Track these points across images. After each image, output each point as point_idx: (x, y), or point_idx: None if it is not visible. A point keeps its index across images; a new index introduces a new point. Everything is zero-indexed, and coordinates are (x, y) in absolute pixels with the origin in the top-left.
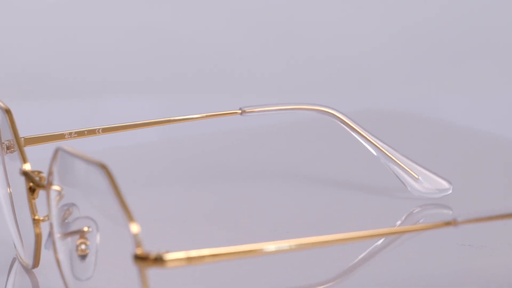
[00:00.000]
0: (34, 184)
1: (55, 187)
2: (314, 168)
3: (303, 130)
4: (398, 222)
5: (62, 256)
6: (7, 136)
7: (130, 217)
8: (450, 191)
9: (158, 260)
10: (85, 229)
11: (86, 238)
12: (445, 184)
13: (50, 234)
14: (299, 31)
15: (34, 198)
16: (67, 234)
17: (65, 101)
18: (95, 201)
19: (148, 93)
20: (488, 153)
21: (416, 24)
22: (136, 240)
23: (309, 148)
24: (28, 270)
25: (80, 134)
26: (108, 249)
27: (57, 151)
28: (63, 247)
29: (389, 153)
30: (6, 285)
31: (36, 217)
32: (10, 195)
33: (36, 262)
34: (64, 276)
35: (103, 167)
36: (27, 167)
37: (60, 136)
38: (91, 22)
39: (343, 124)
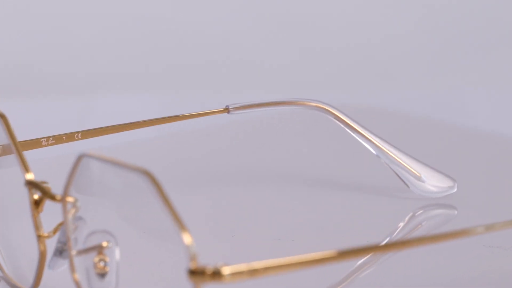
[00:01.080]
0: (47, 196)
1: (71, 199)
2: (313, 167)
3: (299, 127)
4: (401, 224)
5: (80, 276)
6: None
7: (182, 227)
8: (455, 189)
9: (216, 275)
10: (104, 244)
11: (104, 254)
12: (449, 182)
13: (56, 252)
14: (299, 23)
15: (38, 212)
16: (84, 251)
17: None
18: (130, 211)
19: (144, 89)
20: (493, 152)
21: (414, 24)
22: (191, 252)
23: (305, 146)
24: None
25: (58, 140)
26: (137, 264)
27: (80, 158)
28: (80, 265)
29: (389, 151)
30: None
31: (41, 233)
32: None
33: (37, 283)
34: None
35: (148, 174)
36: (30, 177)
37: (36, 143)
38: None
39: (338, 120)
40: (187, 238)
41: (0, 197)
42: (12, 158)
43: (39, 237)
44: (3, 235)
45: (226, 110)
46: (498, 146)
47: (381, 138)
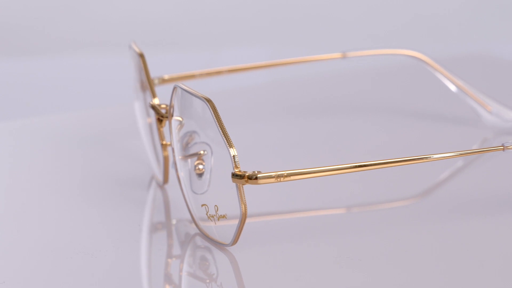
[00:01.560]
0: (159, 115)
1: (176, 118)
2: (402, 103)
3: (393, 71)
4: (475, 146)
5: (182, 174)
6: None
7: (229, 143)
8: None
9: (252, 178)
10: (202, 152)
11: (202, 160)
12: (205, 102)
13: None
14: None
15: (162, 127)
16: (187, 157)
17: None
18: (205, 129)
19: (258, 43)
20: None
21: None
22: (234, 161)
23: (398, 86)
24: (162, 186)
25: (208, 74)
26: (217, 169)
27: (175, 88)
28: (184, 167)
29: (466, 89)
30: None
31: (164, 142)
32: (150, 124)
33: (165, 179)
34: (184, 190)
35: (209, 101)
36: (156, 101)
37: (191, 76)
38: None
39: (428, 65)
40: (232, 151)
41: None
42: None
43: (163, 145)
44: (154, 145)
45: (343, 55)
46: None
47: (460, 78)
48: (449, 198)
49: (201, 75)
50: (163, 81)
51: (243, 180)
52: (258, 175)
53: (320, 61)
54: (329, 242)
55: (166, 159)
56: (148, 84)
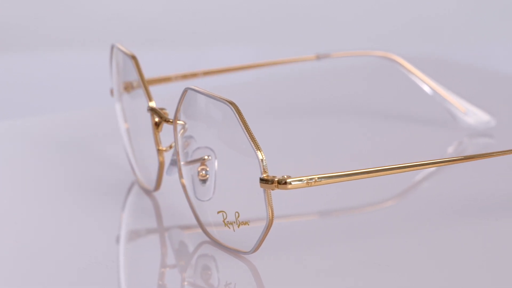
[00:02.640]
0: (162, 119)
1: (181, 122)
2: (376, 105)
3: (367, 73)
4: (450, 148)
5: (186, 181)
6: (125, 78)
7: (257, 146)
8: (493, 123)
9: (282, 183)
10: (206, 157)
11: (206, 165)
12: (488, 117)
13: (172, 162)
14: None
15: (158, 132)
16: (190, 162)
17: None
18: (221, 133)
19: (244, 42)
20: None
21: None
22: (263, 166)
23: (372, 88)
24: (149, 193)
25: (184, 76)
26: (227, 174)
27: (185, 91)
28: (187, 173)
29: (441, 91)
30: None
31: (160, 148)
32: (128, 129)
33: (157, 185)
34: (189, 197)
35: (233, 104)
36: (153, 104)
37: (167, 79)
38: None
39: (402, 67)
40: (260, 155)
41: (136, 120)
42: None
43: (159, 151)
44: (137, 150)
45: (317, 56)
46: None
47: (434, 81)
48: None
49: (177, 78)
50: (127, 88)
51: (272, 185)
52: (288, 180)
53: (294, 62)
54: (351, 246)
55: (161, 165)
56: (143, 87)
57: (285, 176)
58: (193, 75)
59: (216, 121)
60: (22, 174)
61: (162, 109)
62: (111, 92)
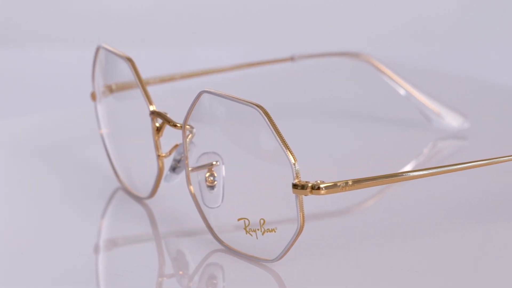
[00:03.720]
0: (169, 123)
1: (189, 126)
2: (349, 106)
3: (340, 74)
4: (425, 149)
5: (194, 187)
6: (110, 80)
7: (289, 151)
8: (467, 125)
9: (315, 188)
10: (214, 163)
11: (213, 171)
12: (463, 119)
13: (172, 168)
14: None
15: (159, 137)
16: (198, 168)
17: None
18: (243, 137)
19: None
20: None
21: None
22: (295, 171)
23: (346, 89)
24: (139, 200)
25: (162, 80)
26: (249, 179)
27: (200, 94)
28: (194, 179)
29: (415, 93)
30: (105, 209)
31: (160, 154)
32: (113, 134)
33: (153, 192)
34: (199, 205)
35: (261, 108)
36: (154, 108)
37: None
38: None
39: (375, 67)
40: (292, 159)
41: (119, 123)
42: (130, 93)
43: (159, 157)
44: (123, 154)
45: (292, 58)
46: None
47: (407, 82)
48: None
49: (155, 82)
50: (111, 90)
51: (306, 191)
52: (321, 185)
53: (269, 64)
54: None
55: (161, 171)
56: (142, 90)
57: (319, 181)
58: (171, 79)
59: (238, 125)
60: None
61: (164, 113)
62: (92, 95)
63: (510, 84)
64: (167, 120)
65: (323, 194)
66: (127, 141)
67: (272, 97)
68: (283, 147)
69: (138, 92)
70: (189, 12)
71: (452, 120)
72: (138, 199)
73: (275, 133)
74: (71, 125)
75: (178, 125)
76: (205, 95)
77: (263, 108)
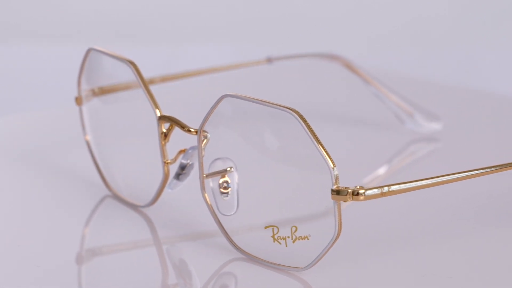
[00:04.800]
0: (184, 129)
1: (205, 132)
2: (324, 107)
3: (318, 75)
4: (397, 151)
5: (208, 195)
6: (97, 83)
7: (328, 156)
8: (440, 126)
9: (356, 194)
10: (228, 169)
11: (228, 177)
12: (436, 121)
13: (176, 175)
14: None
15: (166, 142)
16: (212, 174)
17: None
18: (272, 142)
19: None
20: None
21: None
22: (335, 176)
23: (320, 90)
24: (134, 207)
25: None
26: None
27: (222, 98)
28: (209, 186)
29: (388, 94)
30: (91, 214)
31: (166, 160)
32: (101, 139)
33: (155, 200)
34: (214, 212)
35: (296, 112)
36: (162, 113)
37: (126, 87)
38: None
39: (349, 69)
40: (331, 164)
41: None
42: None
43: (165, 163)
44: (114, 160)
45: (268, 60)
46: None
47: (381, 83)
48: None
49: (136, 85)
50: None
51: (346, 197)
52: (360, 191)
53: (246, 67)
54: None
55: (166, 178)
56: (148, 95)
57: (358, 187)
58: (151, 82)
59: (264, 129)
60: None
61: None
62: (78, 100)
63: (483, 87)
64: (180, 125)
65: (361, 200)
66: (119, 146)
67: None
68: (322, 152)
69: (133, 95)
70: (171, 12)
71: (425, 122)
72: (133, 206)
73: (312, 137)
74: (53, 127)
75: (192, 130)
76: (227, 99)
77: (299, 112)
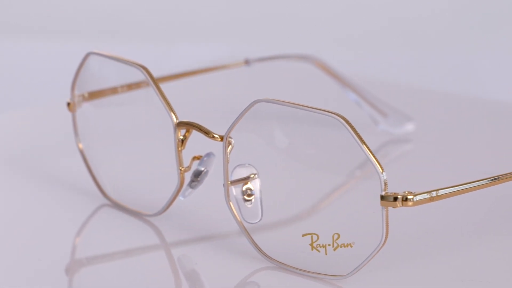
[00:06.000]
0: (209, 135)
1: (230, 138)
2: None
3: (291, 76)
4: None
5: (233, 202)
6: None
7: (377, 162)
8: (412, 127)
9: (406, 200)
10: (252, 175)
11: (251, 184)
12: (410, 122)
13: (190, 183)
14: None
15: (182, 149)
16: (236, 182)
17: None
18: (307, 147)
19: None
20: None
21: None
22: (384, 182)
23: (296, 90)
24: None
25: (129, 87)
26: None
27: (254, 103)
28: (233, 193)
29: (362, 95)
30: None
31: (181, 167)
32: (99, 144)
33: (166, 208)
34: (238, 220)
35: (343, 117)
36: (180, 119)
37: (113, 91)
38: None
39: (324, 70)
40: (380, 170)
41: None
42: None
43: (181, 171)
44: (114, 168)
45: (246, 62)
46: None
47: (355, 85)
48: None
49: (123, 89)
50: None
51: (395, 203)
52: (408, 196)
53: (224, 69)
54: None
55: (181, 186)
56: (163, 101)
57: (406, 192)
58: (137, 86)
59: (303, 134)
60: None
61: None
62: (70, 106)
63: (455, 90)
64: (204, 131)
65: (410, 206)
66: (116, 152)
67: (226, 101)
68: (371, 157)
69: (138, 98)
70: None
71: (398, 123)
72: (135, 215)
73: (360, 142)
74: (42, 127)
75: (216, 136)
76: (260, 104)
77: (344, 117)
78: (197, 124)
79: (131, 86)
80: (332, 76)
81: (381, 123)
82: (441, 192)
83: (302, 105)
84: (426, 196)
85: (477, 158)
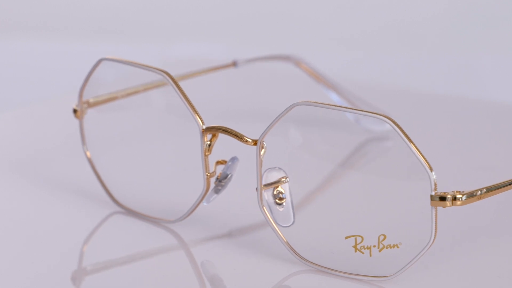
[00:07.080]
0: (242, 140)
1: (264, 142)
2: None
3: (274, 77)
4: (351, 151)
5: (266, 206)
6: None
7: (427, 163)
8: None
9: (456, 199)
10: (283, 179)
11: (283, 188)
12: (386, 120)
13: (215, 188)
14: None
15: (209, 154)
16: (268, 185)
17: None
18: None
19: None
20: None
21: None
22: (434, 182)
23: (279, 90)
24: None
25: (128, 94)
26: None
27: (292, 106)
28: (265, 197)
29: (343, 94)
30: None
31: (207, 173)
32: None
33: (189, 214)
34: (272, 223)
35: (391, 119)
36: (208, 125)
37: (113, 98)
38: None
39: (306, 71)
40: (429, 170)
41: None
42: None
43: (207, 176)
44: (128, 175)
45: (234, 63)
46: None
47: (336, 84)
48: None
49: (123, 96)
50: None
51: (445, 203)
52: (457, 195)
53: (213, 72)
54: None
55: (206, 192)
56: (189, 107)
57: (455, 191)
58: (135, 92)
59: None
60: None
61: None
62: (77, 113)
63: (434, 90)
64: (238, 136)
65: (459, 205)
66: (126, 158)
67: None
68: (420, 158)
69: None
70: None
71: (377, 121)
72: (153, 221)
73: (409, 143)
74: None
75: (249, 140)
76: (298, 107)
77: (392, 119)
78: (227, 128)
79: (129, 93)
80: (313, 76)
81: (361, 121)
82: (487, 190)
83: (347, 108)
84: (474, 194)
85: (476, 157)
